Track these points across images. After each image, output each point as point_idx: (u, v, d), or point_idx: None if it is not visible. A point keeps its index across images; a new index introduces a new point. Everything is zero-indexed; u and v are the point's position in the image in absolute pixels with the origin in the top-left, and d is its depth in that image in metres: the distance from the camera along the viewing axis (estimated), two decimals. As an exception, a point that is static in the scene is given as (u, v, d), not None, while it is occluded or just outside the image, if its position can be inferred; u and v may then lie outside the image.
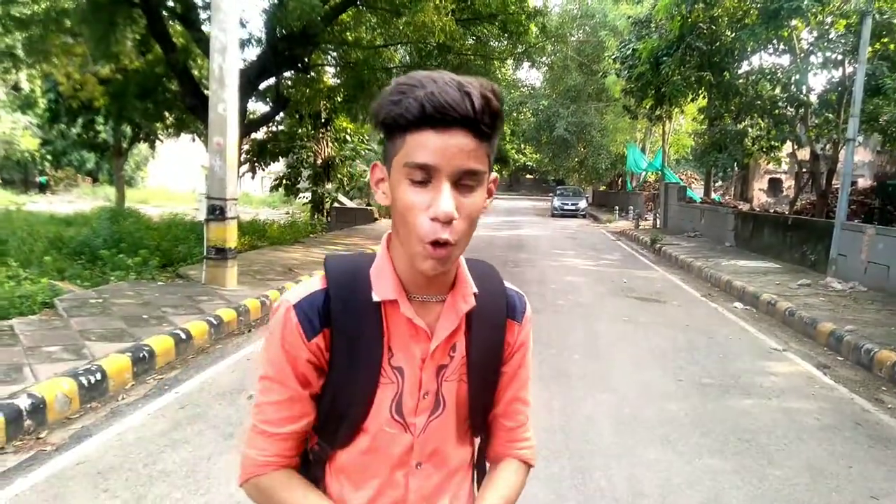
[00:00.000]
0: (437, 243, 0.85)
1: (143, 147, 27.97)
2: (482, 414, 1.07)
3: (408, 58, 15.19)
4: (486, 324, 1.02)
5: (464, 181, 0.86)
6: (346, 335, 0.94)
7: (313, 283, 0.98)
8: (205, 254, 7.51)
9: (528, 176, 64.62)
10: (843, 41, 11.76)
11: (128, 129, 19.60)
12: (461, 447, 1.07)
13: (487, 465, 1.15)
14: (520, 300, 1.08)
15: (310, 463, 1.03)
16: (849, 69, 11.69)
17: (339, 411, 0.97)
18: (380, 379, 0.95)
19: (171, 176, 37.96)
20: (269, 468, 0.97)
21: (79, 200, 26.75)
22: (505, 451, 1.12)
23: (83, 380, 4.07)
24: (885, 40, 11.82)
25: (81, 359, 4.45)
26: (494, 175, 0.95)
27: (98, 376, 4.20)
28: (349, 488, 1.00)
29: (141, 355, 4.71)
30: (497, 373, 1.06)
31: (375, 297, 0.94)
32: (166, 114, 16.76)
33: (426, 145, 0.83)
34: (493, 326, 1.03)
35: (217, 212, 7.34)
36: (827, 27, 12.20)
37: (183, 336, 5.30)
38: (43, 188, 33.73)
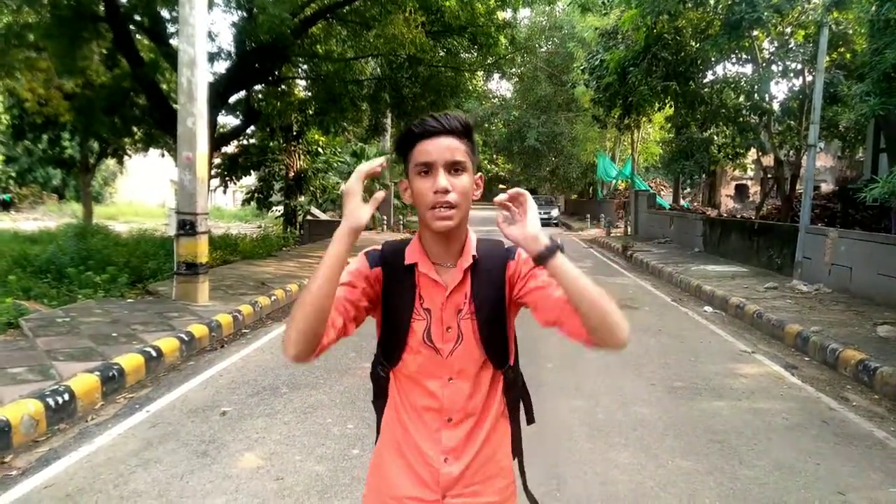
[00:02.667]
0: (438, 205, 1.27)
1: (110, 163, 27.50)
2: (495, 345, 1.38)
3: (379, 70, 15.23)
4: (485, 275, 1.39)
5: (454, 168, 1.29)
6: (393, 279, 1.39)
7: (375, 247, 1.44)
8: (175, 269, 7.41)
9: (500, 186, 64.70)
10: (802, 51, 12.14)
11: (95, 145, 19.26)
12: (483, 371, 1.39)
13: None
14: (514, 248, 1.40)
15: (379, 378, 1.47)
16: (808, 78, 12.03)
17: (393, 329, 1.38)
18: (413, 314, 1.37)
19: (141, 191, 37.37)
20: None
21: (44, 218, 26.15)
22: (563, 319, 1.30)
23: (50, 401, 3.98)
24: (842, 50, 12.23)
25: (48, 379, 4.35)
26: (481, 174, 1.39)
27: (66, 397, 4.11)
28: (404, 393, 1.40)
29: (110, 374, 4.62)
30: (502, 308, 1.39)
31: (407, 262, 1.39)
32: (134, 129, 16.53)
33: (425, 149, 1.28)
34: (492, 274, 1.39)
35: (187, 226, 7.25)
36: (787, 37, 12.57)
37: (153, 353, 5.22)
38: (7, 206, 32.85)
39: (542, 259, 1.21)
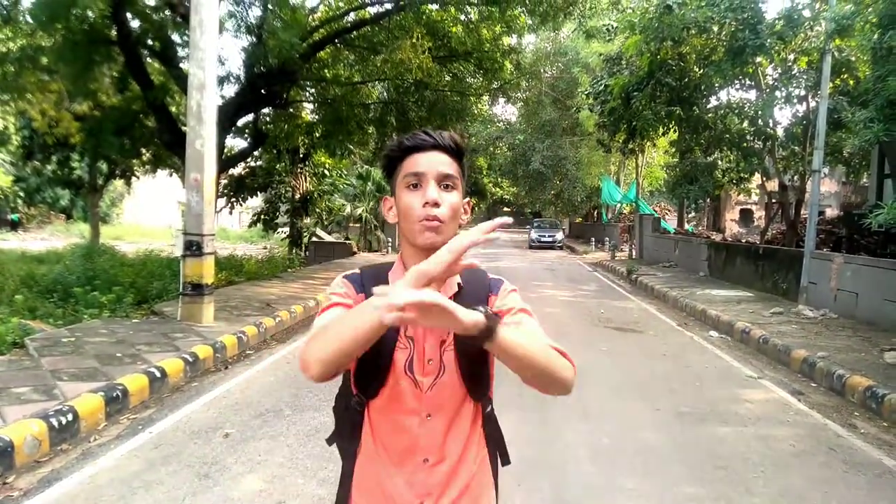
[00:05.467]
0: (427, 219, 1.23)
1: (118, 184, 27.73)
2: (475, 379, 1.32)
3: (385, 94, 15.41)
4: (469, 302, 1.20)
5: (444, 182, 1.26)
6: None
7: (352, 271, 1.39)
8: (181, 290, 7.44)
9: (505, 209, 65.18)
10: (805, 77, 12.21)
11: (104, 166, 19.45)
12: (463, 406, 1.32)
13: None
14: (499, 281, 1.39)
15: (352, 414, 1.36)
16: (812, 104, 12.11)
17: (374, 360, 1.27)
18: (397, 343, 1.29)
19: (147, 212, 37.61)
20: None
21: (52, 238, 26.32)
22: None
23: (54, 421, 3.98)
24: (845, 76, 12.29)
25: (52, 399, 4.35)
26: (469, 199, 1.35)
27: (69, 417, 4.11)
28: (378, 432, 1.32)
29: (114, 395, 4.62)
30: None
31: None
32: (143, 150, 16.69)
33: (416, 161, 1.26)
34: (475, 301, 1.25)
35: (194, 247, 7.29)
36: (790, 64, 12.67)
37: (157, 374, 5.22)
38: (15, 226, 33.09)
39: (482, 340, 1.05)
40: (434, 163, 1.25)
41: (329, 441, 1.47)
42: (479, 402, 1.36)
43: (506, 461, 1.45)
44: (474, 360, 1.31)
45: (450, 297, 1.20)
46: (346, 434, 1.39)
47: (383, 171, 1.34)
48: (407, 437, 1.29)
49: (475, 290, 1.35)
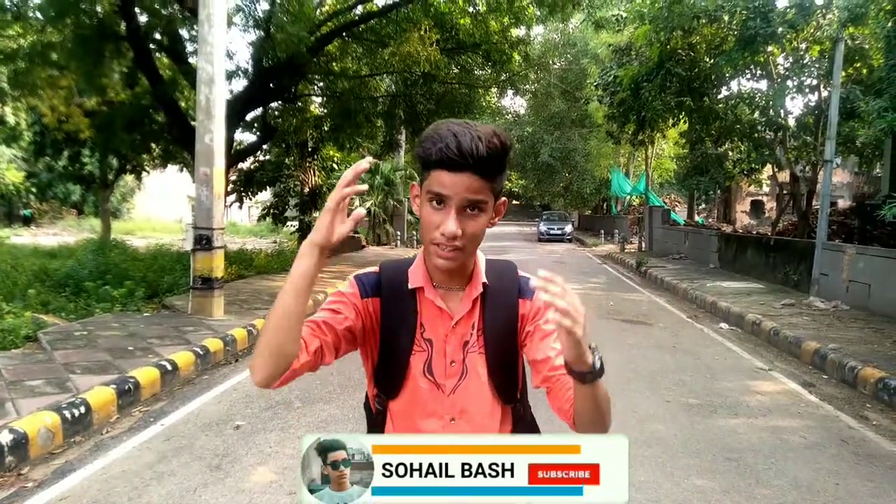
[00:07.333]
0: (443, 244, 1.15)
1: (129, 179, 27.90)
2: (505, 382, 1.28)
3: (393, 87, 15.38)
4: (497, 305, 1.27)
5: (469, 209, 1.14)
6: (391, 308, 1.26)
7: (371, 269, 1.32)
8: (191, 284, 7.49)
9: (514, 202, 64.96)
10: (817, 66, 12.08)
11: (114, 161, 19.57)
12: (490, 410, 1.28)
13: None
14: (530, 283, 1.29)
15: (374, 413, 1.33)
16: (824, 93, 11.97)
17: (389, 364, 1.25)
18: (413, 346, 1.24)
19: (158, 207, 37.81)
20: None
21: (64, 233, 26.52)
22: (564, 407, 1.20)
23: (67, 413, 4.03)
24: (858, 65, 12.15)
25: (65, 392, 4.40)
26: (504, 199, 1.23)
27: (82, 410, 4.16)
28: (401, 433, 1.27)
29: (126, 388, 4.66)
30: (513, 343, 1.28)
31: (410, 286, 1.26)
32: (153, 145, 16.77)
33: (441, 180, 1.12)
34: (504, 306, 1.27)
35: (204, 241, 7.33)
36: (802, 53, 12.53)
37: (169, 367, 5.26)
38: (27, 221, 33.41)
39: (580, 379, 1.04)
40: (461, 187, 1.11)
41: None
42: (508, 404, 1.31)
43: None
44: (504, 363, 1.26)
45: (475, 298, 1.25)
46: (374, 429, 1.35)
47: (416, 160, 1.22)
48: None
49: (504, 286, 1.28)
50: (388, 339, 1.26)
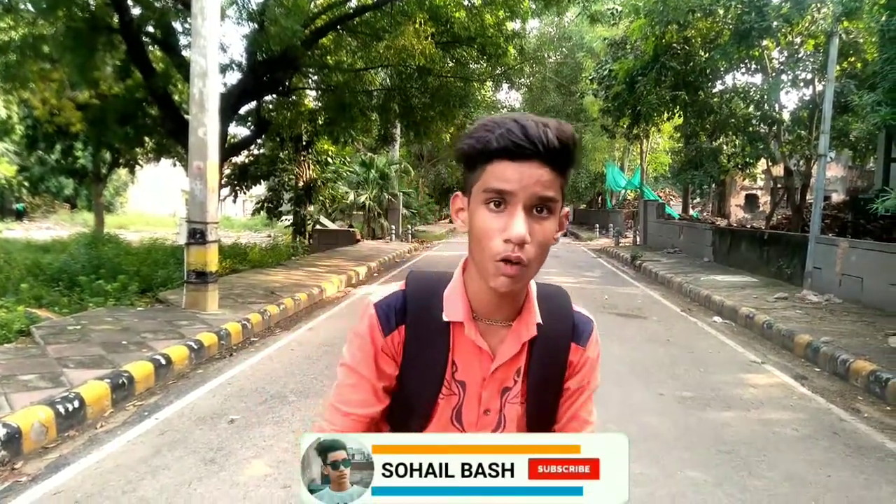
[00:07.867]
0: (508, 261, 0.91)
1: (122, 172, 27.77)
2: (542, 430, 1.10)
3: (388, 80, 15.33)
4: (548, 350, 1.06)
5: (538, 208, 0.92)
6: (418, 342, 1.03)
7: (395, 288, 1.07)
8: (185, 278, 7.46)
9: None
10: (811, 60, 12.12)
11: (107, 155, 19.47)
12: None
13: None
14: (586, 324, 1.10)
15: None
16: (818, 87, 12.01)
17: (408, 404, 1.05)
18: (441, 389, 1.03)
19: (152, 201, 37.71)
20: None
21: (56, 227, 26.43)
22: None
23: (60, 408, 4.01)
24: (852, 59, 12.19)
25: (59, 386, 4.38)
26: (566, 209, 1.01)
27: (76, 404, 4.14)
28: None
29: (120, 382, 4.65)
30: (557, 395, 1.09)
31: (445, 318, 1.02)
32: (146, 139, 16.69)
33: (504, 173, 0.90)
34: (555, 351, 1.06)
35: (197, 235, 7.31)
36: (796, 47, 12.56)
37: (163, 361, 5.25)
38: (20, 215, 33.25)
39: None
40: (530, 180, 0.90)
41: None
42: None
43: None
44: (542, 417, 1.08)
45: (524, 342, 1.03)
46: None
47: (458, 160, 0.97)
48: None
49: (557, 332, 1.07)
50: (410, 377, 1.05)
